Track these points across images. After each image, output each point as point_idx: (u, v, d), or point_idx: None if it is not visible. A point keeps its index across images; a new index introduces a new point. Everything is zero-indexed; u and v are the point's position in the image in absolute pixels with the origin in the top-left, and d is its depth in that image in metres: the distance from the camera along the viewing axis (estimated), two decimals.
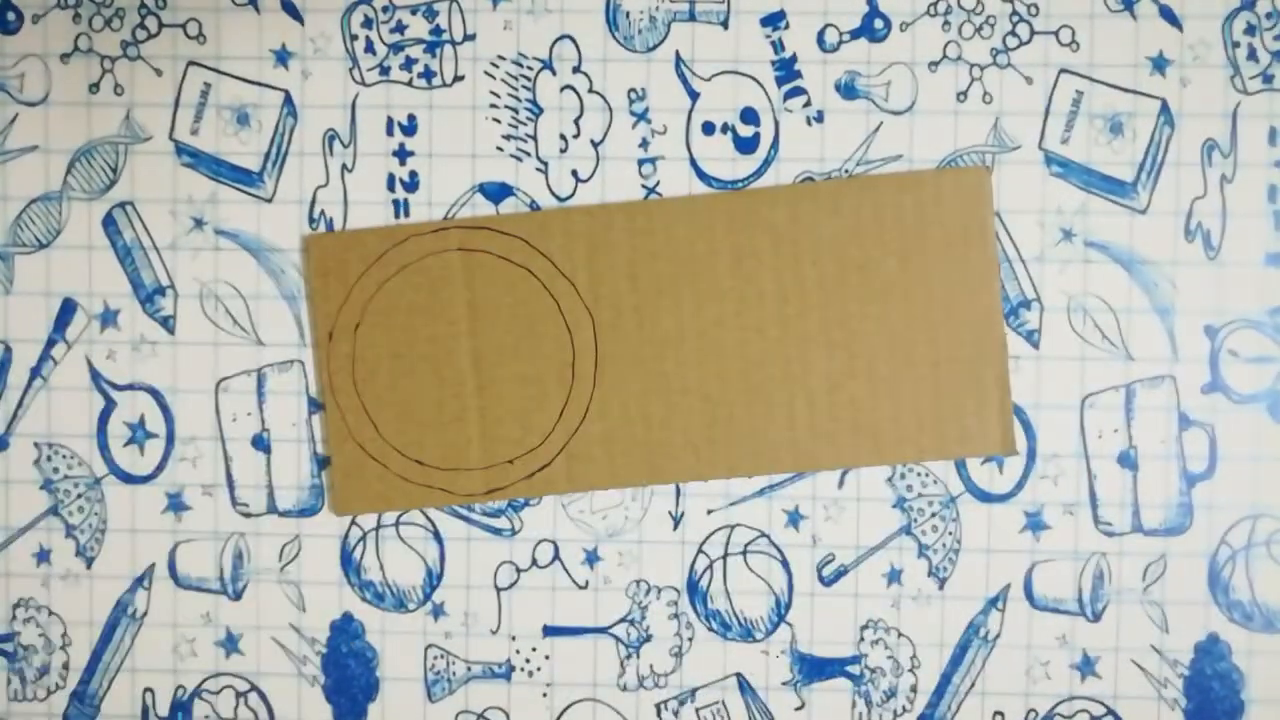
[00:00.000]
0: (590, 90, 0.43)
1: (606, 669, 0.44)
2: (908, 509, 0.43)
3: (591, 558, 0.44)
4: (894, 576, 0.43)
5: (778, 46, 0.43)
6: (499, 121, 0.43)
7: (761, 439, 0.42)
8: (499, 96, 0.43)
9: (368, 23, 0.43)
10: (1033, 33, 0.43)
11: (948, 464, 0.43)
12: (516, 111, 0.43)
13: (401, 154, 0.43)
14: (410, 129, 0.43)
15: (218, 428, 0.44)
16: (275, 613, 0.44)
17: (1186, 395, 0.43)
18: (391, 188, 0.43)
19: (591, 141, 0.43)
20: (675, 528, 0.43)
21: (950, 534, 0.43)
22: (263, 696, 0.44)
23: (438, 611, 0.44)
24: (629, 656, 0.44)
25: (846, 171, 0.43)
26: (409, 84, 0.43)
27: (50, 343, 0.44)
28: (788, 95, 0.43)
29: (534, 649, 0.44)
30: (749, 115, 0.43)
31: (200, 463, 0.44)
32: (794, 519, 0.43)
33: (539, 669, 0.44)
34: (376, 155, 0.43)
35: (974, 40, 0.43)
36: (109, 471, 0.44)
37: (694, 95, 0.43)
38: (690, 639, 0.43)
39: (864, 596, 0.43)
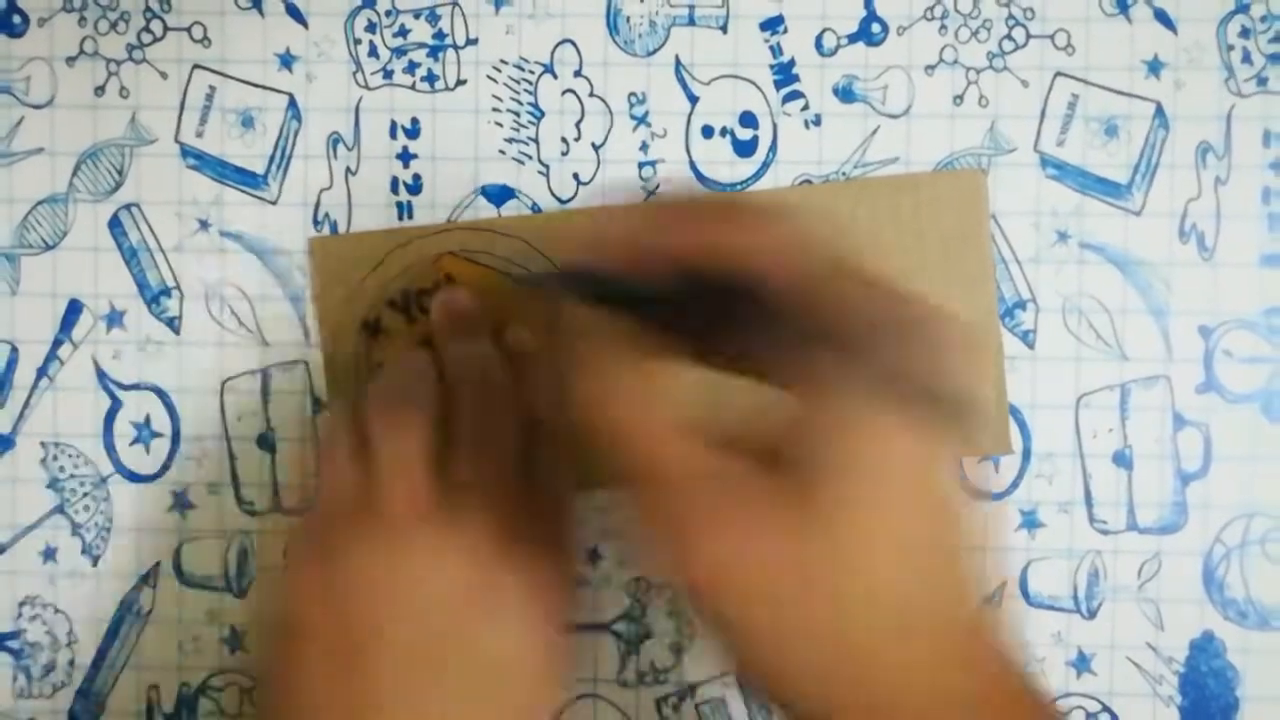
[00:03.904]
0: (591, 94, 0.44)
1: (607, 665, 0.44)
2: None
3: (592, 555, 0.44)
4: None
5: (776, 51, 0.43)
6: (501, 125, 0.44)
7: None
8: (501, 100, 0.44)
9: (371, 27, 0.44)
10: (1028, 36, 0.43)
11: None
12: (518, 115, 0.43)
13: (405, 157, 0.44)
14: (413, 132, 0.44)
15: (223, 427, 0.44)
16: None
17: (1181, 395, 0.43)
18: (395, 190, 0.44)
19: (592, 144, 0.44)
20: None
21: None
22: None
23: None
24: (630, 653, 0.44)
25: (844, 174, 0.43)
26: (412, 88, 0.44)
27: (56, 343, 0.44)
28: (786, 99, 0.44)
29: None
30: (748, 119, 0.44)
31: (205, 462, 0.44)
32: None
33: None
34: (380, 158, 0.44)
35: (970, 44, 0.43)
36: (115, 470, 0.44)
37: (693, 99, 0.44)
38: (690, 636, 0.44)
39: None
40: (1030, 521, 0.43)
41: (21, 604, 0.44)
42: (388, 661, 0.33)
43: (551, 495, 0.36)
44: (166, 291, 0.44)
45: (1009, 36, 0.43)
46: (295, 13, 0.44)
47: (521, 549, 0.35)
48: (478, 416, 0.36)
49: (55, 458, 0.44)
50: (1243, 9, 0.43)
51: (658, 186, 0.43)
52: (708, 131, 0.44)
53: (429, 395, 0.37)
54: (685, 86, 0.44)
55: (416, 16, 0.44)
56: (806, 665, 0.28)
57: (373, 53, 0.44)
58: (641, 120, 0.44)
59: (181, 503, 0.44)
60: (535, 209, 0.44)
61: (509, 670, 0.35)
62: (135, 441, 0.44)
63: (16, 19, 0.44)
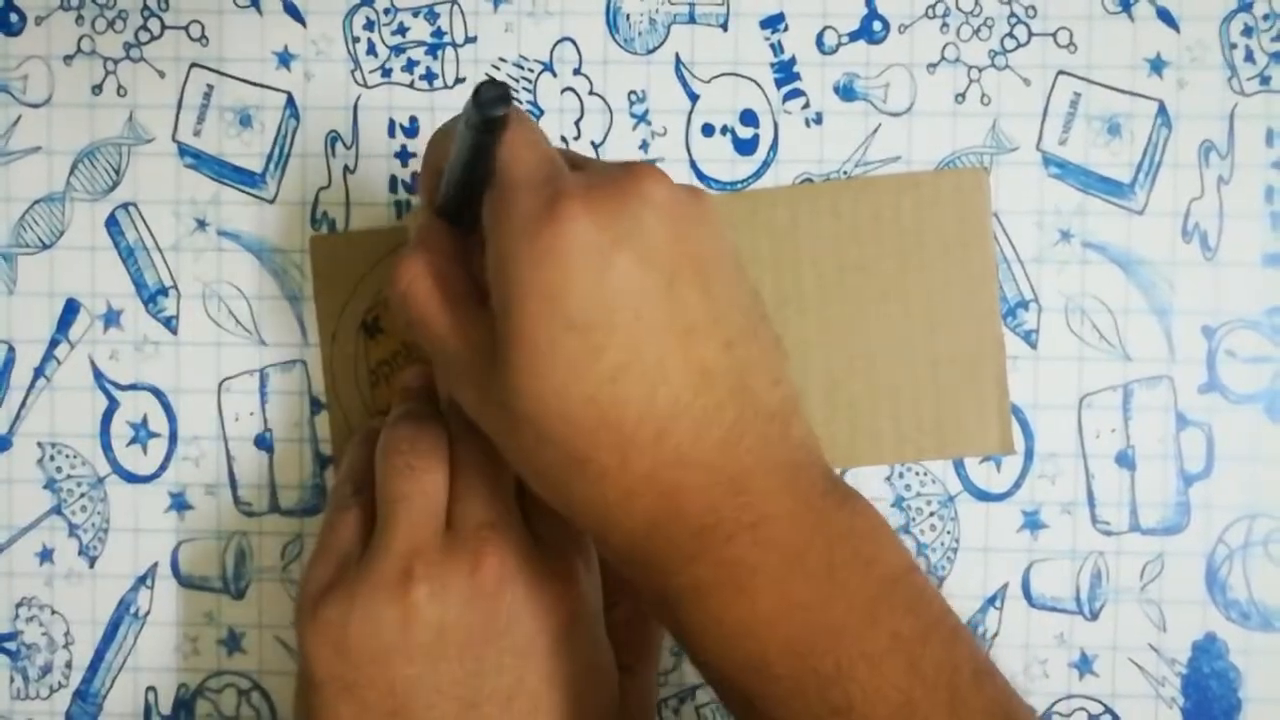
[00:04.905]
0: (591, 92, 0.43)
1: None
2: (906, 508, 0.43)
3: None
4: None
5: (777, 49, 0.43)
6: None
7: None
8: None
9: (369, 25, 0.44)
10: (1030, 35, 0.43)
11: (946, 463, 0.43)
12: None
13: (403, 155, 0.43)
14: (412, 131, 0.43)
15: (220, 427, 0.44)
16: (277, 612, 0.44)
17: (1184, 395, 0.43)
18: (393, 189, 0.43)
19: (592, 143, 0.43)
20: None
21: (949, 533, 0.43)
22: (265, 695, 0.44)
23: None
24: None
25: (845, 173, 0.43)
26: (411, 86, 0.44)
27: (53, 343, 0.44)
28: (787, 97, 0.43)
29: None
30: (748, 117, 0.43)
31: (203, 462, 0.44)
32: None
33: None
34: (378, 157, 0.43)
35: (972, 42, 0.43)
36: (112, 471, 0.44)
37: (694, 97, 0.43)
38: None
39: None
40: (1033, 523, 0.43)
41: (18, 605, 0.44)
42: (423, 708, 0.34)
43: (558, 522, 0.36)
44: (164, 291, 0.44)
45: (1011, 35, 0.43)
46: (293, 11, 0.44)
47: (537, 578, 0.35)
48: (485, 456, 0.36)
49: (52, 458, 0.44)
50: (1245, 7, 0.43)
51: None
52: (708, 130, 0.43)
53: (439, 442, 0.36)
54: (685, 85, 0.43)
55: (415, 15, 0.44)
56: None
57: (371, 51, 0.44)
58: (641, 118, 0.44)
59: (179, 503, 0.44)
60: None
61: (544, 699, 0.35)
62: (132, 442, 0.44)
63: (14, 17, 0.44)
